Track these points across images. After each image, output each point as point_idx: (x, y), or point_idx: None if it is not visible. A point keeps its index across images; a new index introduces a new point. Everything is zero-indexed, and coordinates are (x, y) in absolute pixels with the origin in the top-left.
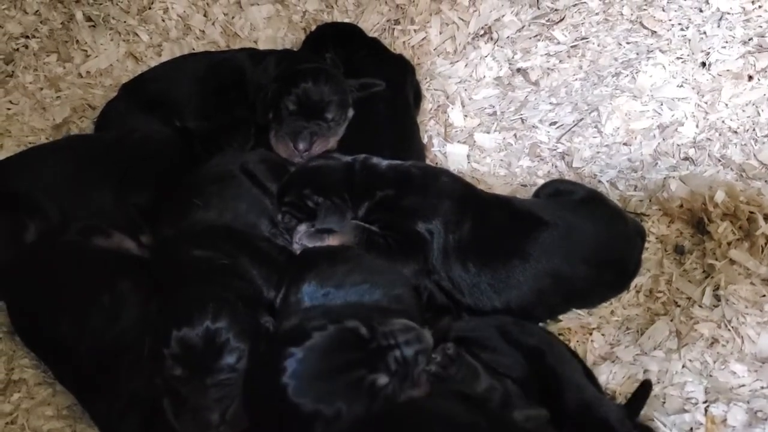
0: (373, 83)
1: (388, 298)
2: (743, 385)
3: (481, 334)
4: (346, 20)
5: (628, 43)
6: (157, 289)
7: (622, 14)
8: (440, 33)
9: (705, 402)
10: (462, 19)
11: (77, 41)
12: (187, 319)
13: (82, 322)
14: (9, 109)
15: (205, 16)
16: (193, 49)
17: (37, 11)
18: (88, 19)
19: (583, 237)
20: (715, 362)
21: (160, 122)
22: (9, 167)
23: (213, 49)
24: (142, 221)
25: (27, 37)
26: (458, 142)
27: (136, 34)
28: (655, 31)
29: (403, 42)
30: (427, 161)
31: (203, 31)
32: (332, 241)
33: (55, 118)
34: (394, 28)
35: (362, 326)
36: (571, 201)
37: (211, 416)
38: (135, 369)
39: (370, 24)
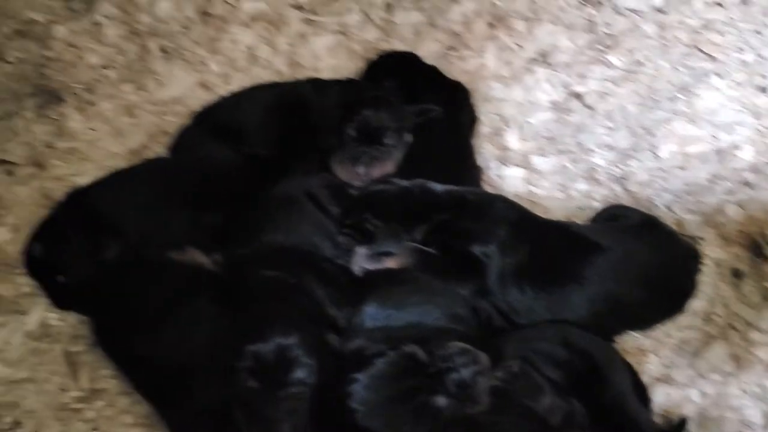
0: (430, 109)
1: (447, 318)
2: None
3: (544, 347)
4: (405, 48)
5: (684, 67)
6: (230, 306)
7: (677, 38)
8: (497, 58)
9: (763, 426)
10: (518, 44)
11: (152, 71)
12: (260, 334)
13: (160, 334)
14: (89, 135)
15: (270, 47)
16: (260, 79)
17: (114, 43)
18: (162, 50)
19: (639, 261)
20: None
21: (229, 148)
22: (93, 189)
23: (278, 79)
24: (214, 242)
25: (105, 67)
26: (514, 165)
27: (207, 65)
28: (712, 55)
29: (460, 68)
30: (483, 184)
31: (269, 61)
32: (390, 263)
33: (131, 143)
34: (451, 55)
35: (420, 351)
36: (627, 225)
37: (282, 427)
38: (209, 381)
39: (428, 51)
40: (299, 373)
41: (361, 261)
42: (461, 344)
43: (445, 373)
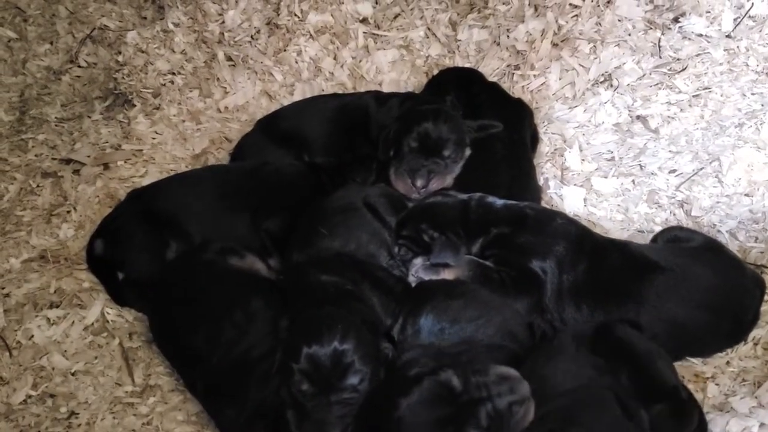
0: (491, 125)
1: (501, 335)
2: None
3: None
4: (467, 65)
5: (753, 94)
6: (286, 309)
7: (747, 65)
8: (560, 78)
9: None
10: (582, 66)
11: (218, 79)
12: (318, 338)
13: (216, 334)
14: (154, 138)
15: (334, 59)
16: (323, 90)
17: (183, 50)
18: (229, 58)
19: (700, 284)
20: None
21: (290, 156)
22: (156, 190)
23: (341, 90)
24: (273, 246)
25: (173, 73)
26: (575, 185)
27: (272, 74)
28: None
29: (522, 87)
30: (543, 203)
31: (332, 73)
32: (447, 274)
33: (194, 148)
34: (513, 73)
35: (455, 377)
36: (688, 248)
37: (333, 431)
38: (263, 381)
39: (491, 69)
40: (353, 379)
41: (418, 271)
42: (503, 370)
43: (479, 403)
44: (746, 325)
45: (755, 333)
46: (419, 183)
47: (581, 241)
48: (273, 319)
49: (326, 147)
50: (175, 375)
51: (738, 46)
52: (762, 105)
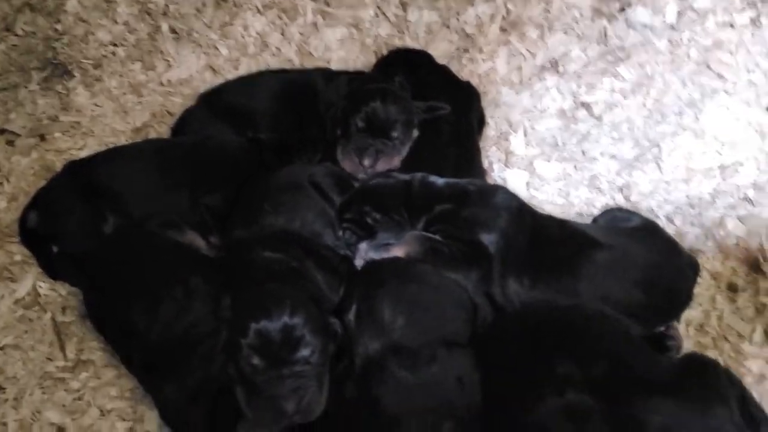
0: (439, 107)
1: (455, 326)
2: None
3: None
4: (417, 46)
5: (693, 83)
6: (227, 287)
7: (689, 56)
8: (507, 63)
9: None
10: (529, 51)
11: (161, 51)
12: (267, 313)
13: (155, 310)
14: (93, 110)
15: (282, 34)
16: (269, 66)
17: (126, 21)
18: (173, 31)
19: (637, 261)
20: (762, 398)
21: (234, 132)
22: (94, 162)
23: (288, 67)
24: (213, 223)
25: (115, 45)
26: (518, 168)
27: (217, 48)
28: (722, 74)
29: (471, 70)
30: None
31: (279, 49)
32: (397, 251)
33: (135, 121)
34: (462, 56)
35: None
36: (627, 228)
37: (287, 405)
38: (206, 359)
39: (440, 51)
40: (304, 352)
41: (367, 251)
42: None
43: None
44: (679, 305)
45: (688, 315)
46: (367, 162)
47: (522, 214)
48: (213, 297)
49: (271, 123)
50: (110, 350)
51: (681, 38)
52: (701, 94)
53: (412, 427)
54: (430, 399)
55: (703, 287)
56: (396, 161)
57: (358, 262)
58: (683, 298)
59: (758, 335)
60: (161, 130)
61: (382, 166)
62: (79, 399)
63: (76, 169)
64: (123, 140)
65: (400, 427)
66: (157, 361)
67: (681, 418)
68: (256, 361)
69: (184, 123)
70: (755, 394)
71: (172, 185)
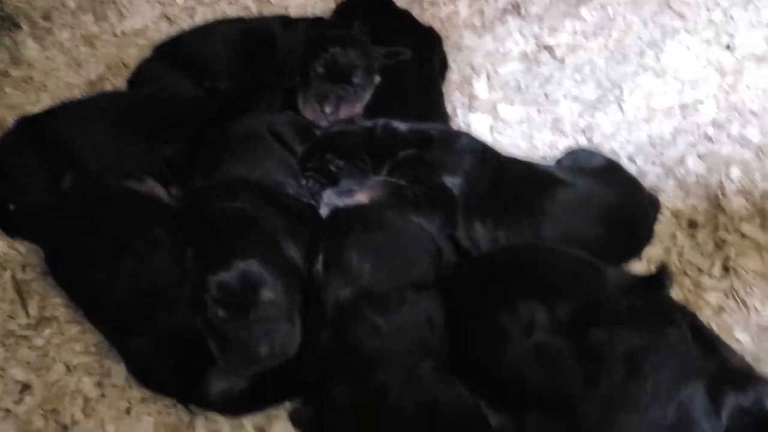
0: (400, 51)
1: (421, 270)
2: (747, 353)
3: None
4: None
5: (653, 23)
6: (188, 238)
7: None
8: (469, 7)
9: None
10: None
11: (114, 2)
12: (222, 263)
13: (117, 264)
14: (46, 64)
15: None
16: (226, 14)
17: None
18: None
19: (599, 200)
20: (720, 330)
21: (191, 82)
22: (48, 117)
23: (245, 15)
24: (172, 174)
25: None
26: (481, 113)
27: None
28: (682, 13)
29: (432, 14)
30: None
31: None
32: (361, 197)
33: (90, 74)
34: (423, 1)
35: None
36: (590, 167)
37: (259, 349)
38: (170, 311)
39: None
40: (266, 294)
41: (330, 198)
42: None
43: None
44: (641, 242)
45: (649, 252)
46: (328, 109)
47: (486, 157)
48: (176, 248)
49: (229, 73)
50: (73, 306)
51: None
52: (662, 34)
53: (393, 368)
54: (405, 340)
55: (663, 224)
56: (358, 107)
57: (323, 210)
58: (644, 236)
59: (717, 269)
60: (117, 83)
61: (343, 112)
62: (44, 356)
63: (30, 124)
64: (77, 94)
65: (381, 370)
66: (122, 315)
67: (641, 344)
68: (221, 313)
69: (141, 75)
70: (714, 326)
71: (130, 137)
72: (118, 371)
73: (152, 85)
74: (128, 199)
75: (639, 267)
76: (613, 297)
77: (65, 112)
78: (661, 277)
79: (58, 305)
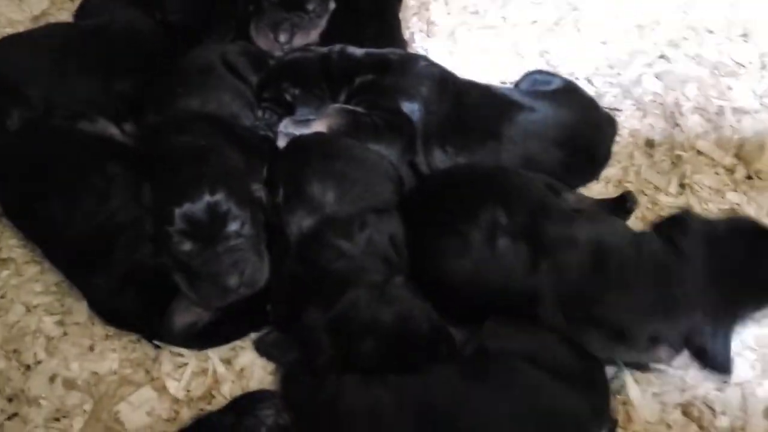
0: None
1: (382, 197)
2: None
3: None
4: None
5: None
6: (145, 175)
7: None
8: None
9: None
10: None
11: None
12: (187, 195)
13: (74, 202)
14: None
15: None
16: None
17: None
18: None
19: (557, 122)
20: None
21: (141, 14)
22: None
23: None
24: (126, 109)
25: None
26: (439, 38)
27: None
28: None
29: None
30: None
31: None
32: (318, 126)
33: (32, 9)
34: None
35: None
36: (547, 90)
37: (229, 280)
38: (131, 247)
39: None
40: (234, 226)
41: (287, 126)
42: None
43: None
44: (599, 162)
45: (607, 172)
46: (282, 38)
47: (444, 81)
48: (133, 184)
49: (179, 4)
50: (30, 246)
51: None
52: None
53: (363, 285)
54: (371, 259)
55: (621, 145)
56: (313, 35)
57: (281, 141)
58: (602, 157)
59: (673, 186)
60: (62, 18)
61: (298, 40)
62: (2, 297)
63: None
64: (21, 30)
65: (351, 288)
66: (82, 254)
67: (599, 230)
68: (187, 246)
69: (86, 9)
70: None
71: (78, 72)
72: (80, 309)
73: (101, 17)
74: (80, 139)
75: (597, 188)
76: (561, 202)
77: (8, 47)
78: (626, 199)
79: (14, 246)
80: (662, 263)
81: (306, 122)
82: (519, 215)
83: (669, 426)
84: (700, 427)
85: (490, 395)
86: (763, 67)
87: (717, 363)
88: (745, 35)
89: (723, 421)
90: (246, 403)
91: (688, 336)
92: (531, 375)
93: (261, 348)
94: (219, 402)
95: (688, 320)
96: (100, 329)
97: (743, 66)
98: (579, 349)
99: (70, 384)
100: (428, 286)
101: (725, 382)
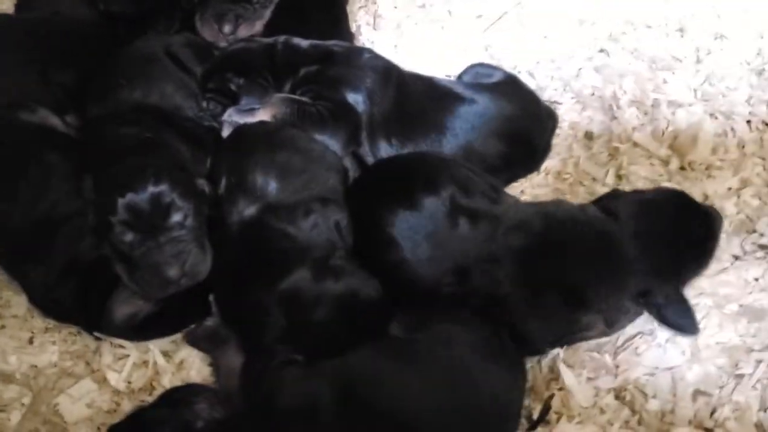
0: None
1: (327, 188)
2: None
3: None
4: None
5: None
6: (87, 167)
7: None
8: None
9: None
10: None
11: None
12: (130, 186)
13: (12, 194)
14: None
15: None
16: None
17: None
18: None
19: (499, 114)
20: None
21: (83, 5)
22: None
23: None
24: (67, 101)
25: None
26: (385, 31)
27: None
28: None
29: None
30: None
31: None
32: (263, 115)
33: None
34: None
35: None
36: (489, 83)
37: (170, 271)
38: (71, 239)
39: None
40: (177, 217)
41: (231, 115)
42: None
43: None
44: (539, 154)
45: (547, 164)
46: (227, 29)
47: (389, 73)
48: (74, 176)
49: None
50: None
51: None
52: None
53: (309, 263)
54: (314, 242)
55: (561, 137)
56: (258, 26)
57: (225, 131)
58: (542, 149)
59: (610, 177)
60: (3, 7)
61: (243, 32)
62: None
63: None
64: None
65: (297, 267)
66: (20, 245)
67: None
68: (129, 236)
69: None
70: None
71: (20, 64)
72: (19, 302)
73: (43, 8)
74: (19, 130)
75: (537, 179)
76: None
77: None
78: None
79: None
80: (605, 228)
81: (250, 111)
82: (474, 195)
83: (602, 410)
84: (632, 410)
85: (412, 375)
86: (698, 61)
87: (680, 324)
88: (681, 30)
89: (654, 405)
90: (180, 396)
91: (644, 297)
92: (452, 355)
93: (191, 341)
94: (160, 393)
95: (639, 281)
96: (39, 322)
97: (679, 60)
98: (499, 332)
99: (7, 378)
100: (375, 270)
101: (657, 367)
